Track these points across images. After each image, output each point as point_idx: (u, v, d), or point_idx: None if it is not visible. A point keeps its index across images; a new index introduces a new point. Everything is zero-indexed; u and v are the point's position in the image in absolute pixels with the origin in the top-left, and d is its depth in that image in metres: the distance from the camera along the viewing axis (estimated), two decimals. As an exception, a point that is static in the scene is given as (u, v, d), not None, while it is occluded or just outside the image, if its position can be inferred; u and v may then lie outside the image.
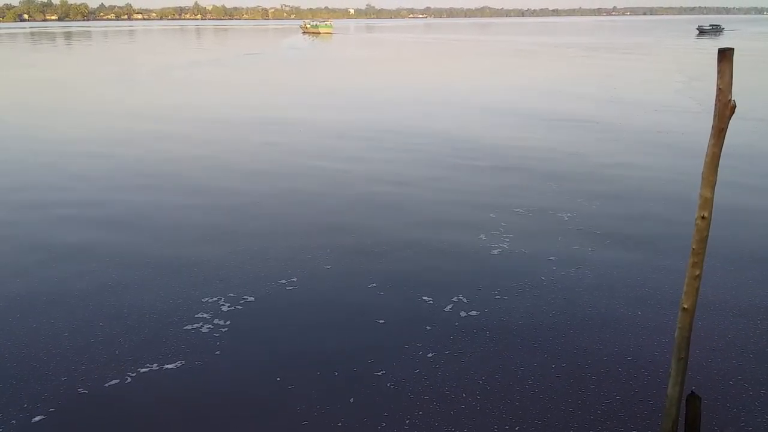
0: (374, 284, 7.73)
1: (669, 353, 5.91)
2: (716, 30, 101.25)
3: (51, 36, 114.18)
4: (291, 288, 7.67)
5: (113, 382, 5.71)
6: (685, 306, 4.34)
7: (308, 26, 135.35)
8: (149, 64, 47.31)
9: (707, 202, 4.17)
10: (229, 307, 7.13)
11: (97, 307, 7.23)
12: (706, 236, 4.21)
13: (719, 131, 4.15)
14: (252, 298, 7.36)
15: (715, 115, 4.16)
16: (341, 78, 36.90)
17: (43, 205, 11.54)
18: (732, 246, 8.91)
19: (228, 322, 6.76)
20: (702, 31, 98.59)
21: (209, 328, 6.64)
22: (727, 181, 8.08)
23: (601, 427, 5.06)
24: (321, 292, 7.58)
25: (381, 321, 6.81)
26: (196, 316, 6.91)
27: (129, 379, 5.74)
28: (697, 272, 4.26)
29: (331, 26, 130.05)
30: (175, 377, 5.77)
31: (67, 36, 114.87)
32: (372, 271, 8.17)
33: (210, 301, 7.30)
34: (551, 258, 8.47)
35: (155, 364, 5.97)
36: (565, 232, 9.51)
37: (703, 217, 4.17)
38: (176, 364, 5.97)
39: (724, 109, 4.15)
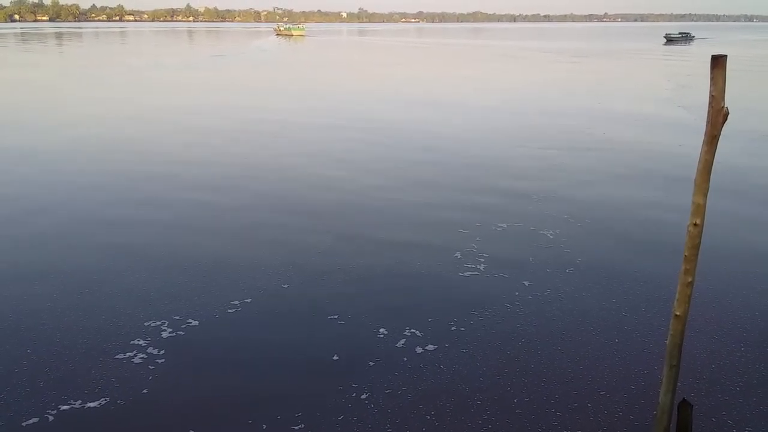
0: (334, 312, 6.93)
1: (648, 376, 5.57)
2: (685, 38, 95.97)
3: (32, 36, 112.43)
4: (241, 311, 6.97)
5: (31, 421, 5.05)
6: (678, 313, 4.33)
7: (281, 29, 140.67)
8: (110, 66, 46.54)
9: (699, 209, 4.16)
10: (170, 333, 6.44)
11: (28, 330, 6.53)
12: (699, 243, 4.21)
13: (712, 138, 4.10)
14: (196, 323, 6.66)
15: (707, 122, 4.07)
16: (295, 81, 35.83)
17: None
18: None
19: (163, 352, 6.07)
20: (670, 40, 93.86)
21: (142, 358, 5.96)
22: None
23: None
24: (272, 317, 6.86)
25: (335, 357, 6.03)
26: (131, 342, 6.22)
27: (50, 418, 5.08)
28: (690, 279, 4.25)
29: (303, 29, 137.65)
30: (95, 418, 5.09)
31: (47, 36, 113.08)
32: (333, 294, 7.42)
33: (152, 325, 6.61)
34: (525, 282, 7.73)
35: (78, 401, 5.29)
36: (544, 252, 8.79)
37: (695, 224, 4.17)
38: (99, 401, 5.29)
39: (717, 115, 4.07)
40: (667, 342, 4.38)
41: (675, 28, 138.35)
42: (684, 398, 4.62)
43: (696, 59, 52.66)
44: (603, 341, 6.34)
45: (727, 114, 4.13)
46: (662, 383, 4.45)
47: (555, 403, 5.31)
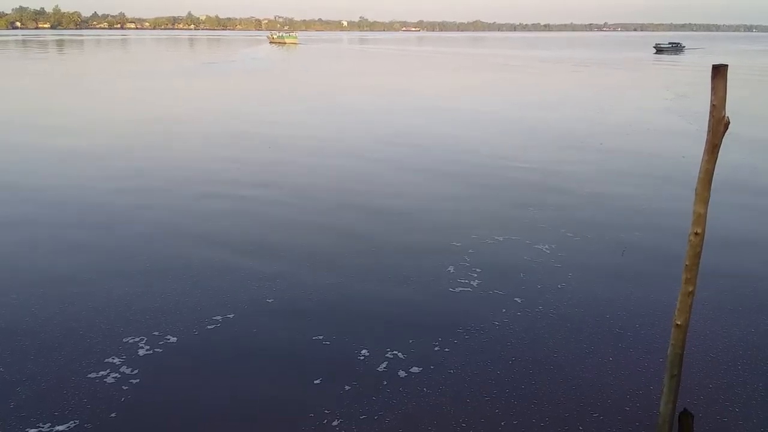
0: (318, 332, 6.60)
1: (643, 396, 5.35)
2: (676, 48, 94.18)
3: (32, 44, 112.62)
4: (221, 327, 6.70)
5: (-5, 446, 4.81)
6: (679, 322, 4.31)
7: (275, 37, 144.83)
8: (101, 73, 46.66)
9: (700, 218, 4.14)
10: (146, 350, 6.17)
11: (1, 346, 6.26)
12: (699, 252, 4.18)
13: (713, 147, 4.05)
14: (174, 339, 6.40)
15: (708, 131, 4.03)
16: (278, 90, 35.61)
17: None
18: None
19: (137, 371, 5.79)
20: (660, 50, 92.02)
21: (115, 378, 5.68)
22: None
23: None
24: (252, 334, 6.59)
25: (316, 381, 5.71)
26: (105, 360, 5.95)
27: (15, 441, 4.82)
28: (690, 288, 4.23)
29: (296, 37, 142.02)
30: (60, 443, 4.82)
31: (47, 44, 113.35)
32: (317, 312, 7.13)
33: (130, 341, 6.34)
34: (517, 299, 7.43)
35: (48, 424, 5.03)
36: (539, 267, 8.51)
37: (696, 233, 4.15)
38: (68, 425, 5.02)
39: (718, 125, 4.01)
40: (668, 352, 4.36)
41: (674, 37, 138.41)
42: (685, 408, 4.59)
43: (680, 69, 52.50)
44: (597, 359, 6.08)
45: (728, 123, 4.06)
46: (663, 393, 4.43)
47: (546, 426, 5.05)
